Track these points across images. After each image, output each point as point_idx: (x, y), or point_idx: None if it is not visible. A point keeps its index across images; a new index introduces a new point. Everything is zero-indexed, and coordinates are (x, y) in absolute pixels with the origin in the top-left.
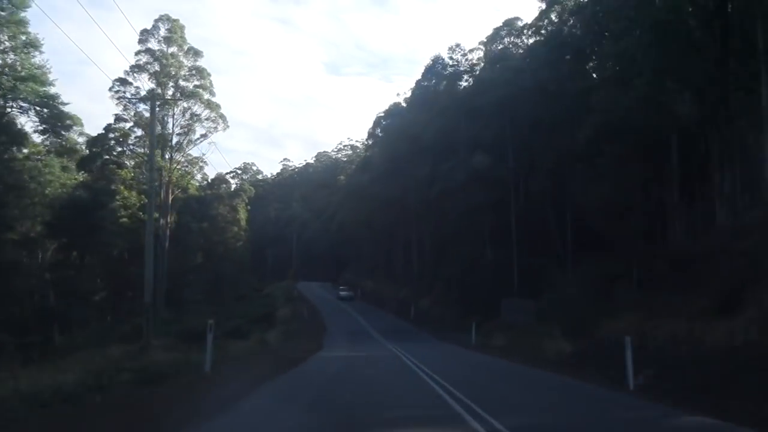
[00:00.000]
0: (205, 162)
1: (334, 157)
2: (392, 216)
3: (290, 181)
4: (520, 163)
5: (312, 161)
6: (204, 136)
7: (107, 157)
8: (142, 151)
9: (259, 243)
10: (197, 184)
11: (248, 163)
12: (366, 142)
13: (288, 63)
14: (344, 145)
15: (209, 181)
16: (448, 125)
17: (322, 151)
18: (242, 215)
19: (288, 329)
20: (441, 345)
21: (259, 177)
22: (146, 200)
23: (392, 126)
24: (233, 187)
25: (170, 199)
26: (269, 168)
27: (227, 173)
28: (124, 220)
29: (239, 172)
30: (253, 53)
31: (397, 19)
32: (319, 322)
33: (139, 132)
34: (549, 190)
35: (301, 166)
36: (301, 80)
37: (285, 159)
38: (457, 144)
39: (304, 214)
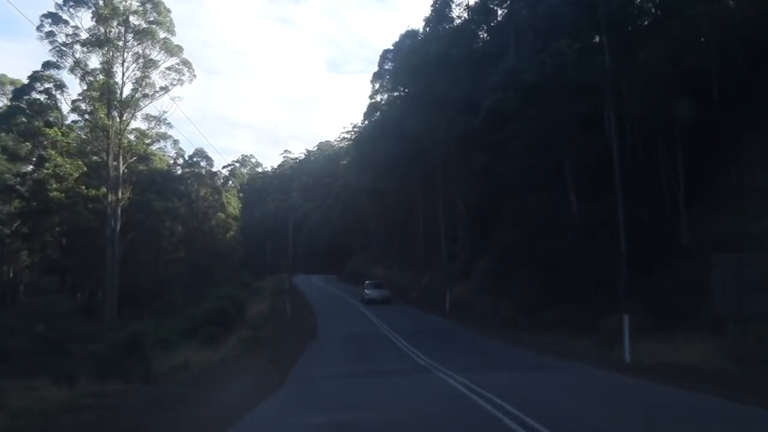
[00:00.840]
0: (168, 124)
1: (336, 146)
2: (409, 176)
3: (290, 172)
4: (620, 66)
5: (314, 149)
6: (164, 89)
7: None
8: (83, 107)
9: (259, 236)
10: (171, 160)
11: (246, 155)
12: (372, 85)
13: (289, 62)
14: (346, 131)
15: (186, 158)
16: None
17: (324, 140)
18: (233, 202)
19: (253, 337)
20: (563, 370)
21: (259, 170)
22: (87, 170)
23: (408, 52)
24: (224, 175)
25: (122, 169)
26: (270, 163)
27: (224, 167)
28: (56, 194)
29: (237, 165)
30: (254, 54)
31: (397, 15)
32: (309, 323)
33: (90, 91)
34: (661, 109)
35: (302, 156)
36: (303, 79)
37: (286, 151)
38: (508, 39)
39: (304, 205)
